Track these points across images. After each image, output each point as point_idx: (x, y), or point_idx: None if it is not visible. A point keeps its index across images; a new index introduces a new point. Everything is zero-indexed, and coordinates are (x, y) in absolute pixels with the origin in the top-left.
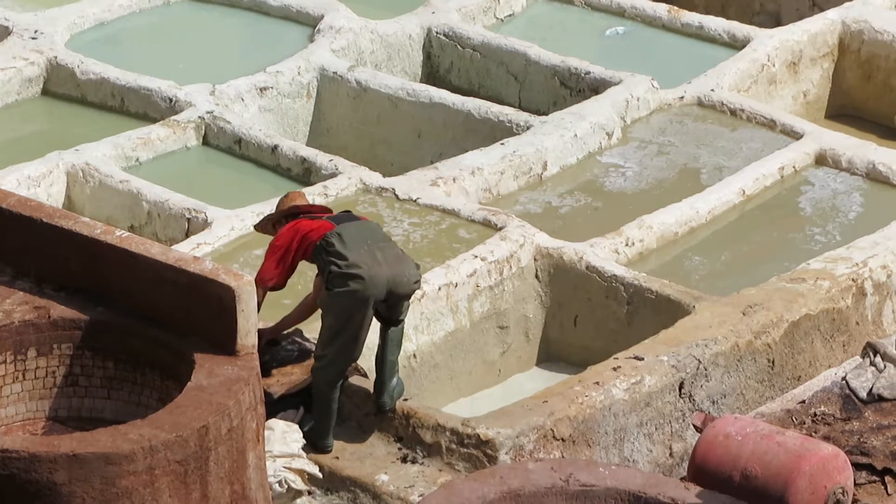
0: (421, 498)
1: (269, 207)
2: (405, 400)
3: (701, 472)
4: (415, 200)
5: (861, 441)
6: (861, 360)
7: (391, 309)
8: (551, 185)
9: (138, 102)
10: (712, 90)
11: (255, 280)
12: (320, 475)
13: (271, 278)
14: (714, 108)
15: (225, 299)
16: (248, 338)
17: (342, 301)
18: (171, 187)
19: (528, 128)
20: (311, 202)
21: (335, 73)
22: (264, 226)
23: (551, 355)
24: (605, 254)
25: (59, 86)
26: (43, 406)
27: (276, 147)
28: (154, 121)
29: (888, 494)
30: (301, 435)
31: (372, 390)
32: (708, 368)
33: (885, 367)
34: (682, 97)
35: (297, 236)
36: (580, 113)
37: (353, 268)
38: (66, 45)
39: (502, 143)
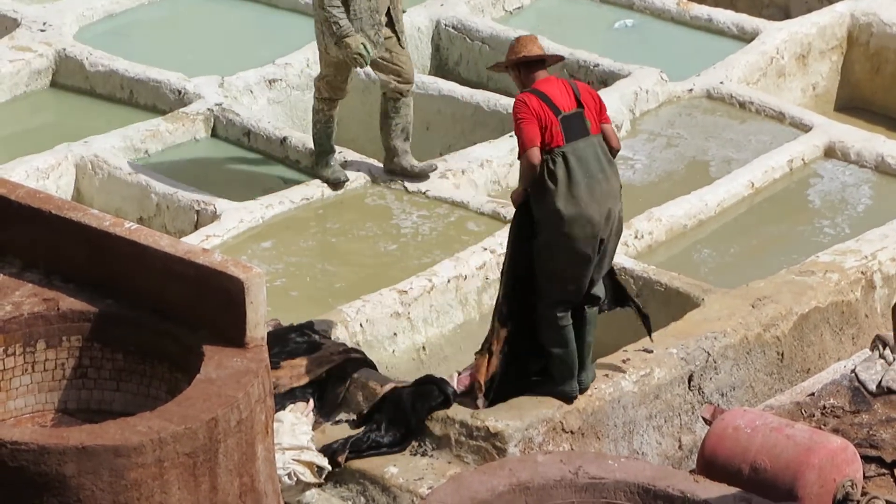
0: (430, 490)
1: (278, 199)
2: None
3: (710, 464)
4: (424, 193)
5: (870, 434)
6: (870, 352)
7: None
8: None
9: (147, 94)
10: (721, 83)
11: (521, 152)
12: (329, 467)
13: (531, 139)
14: (723, 100)
15: (234, 291)
16: (256, 330)
17: (552, 249)
18: (180, 179)
19: None
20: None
21: None
22: (497, 67)
23: None
24: None
25: (68, 78)
26: (52, 398)
27: (285, 139)
28: (163, 113)
29: None
30: (310, 427)
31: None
32: (717, 361)
33: (894, 359)
34: (690, 90)
35: (533, 114)
36: None
37: (568, 223)
38: (74, 37)
39: (511, 136)
